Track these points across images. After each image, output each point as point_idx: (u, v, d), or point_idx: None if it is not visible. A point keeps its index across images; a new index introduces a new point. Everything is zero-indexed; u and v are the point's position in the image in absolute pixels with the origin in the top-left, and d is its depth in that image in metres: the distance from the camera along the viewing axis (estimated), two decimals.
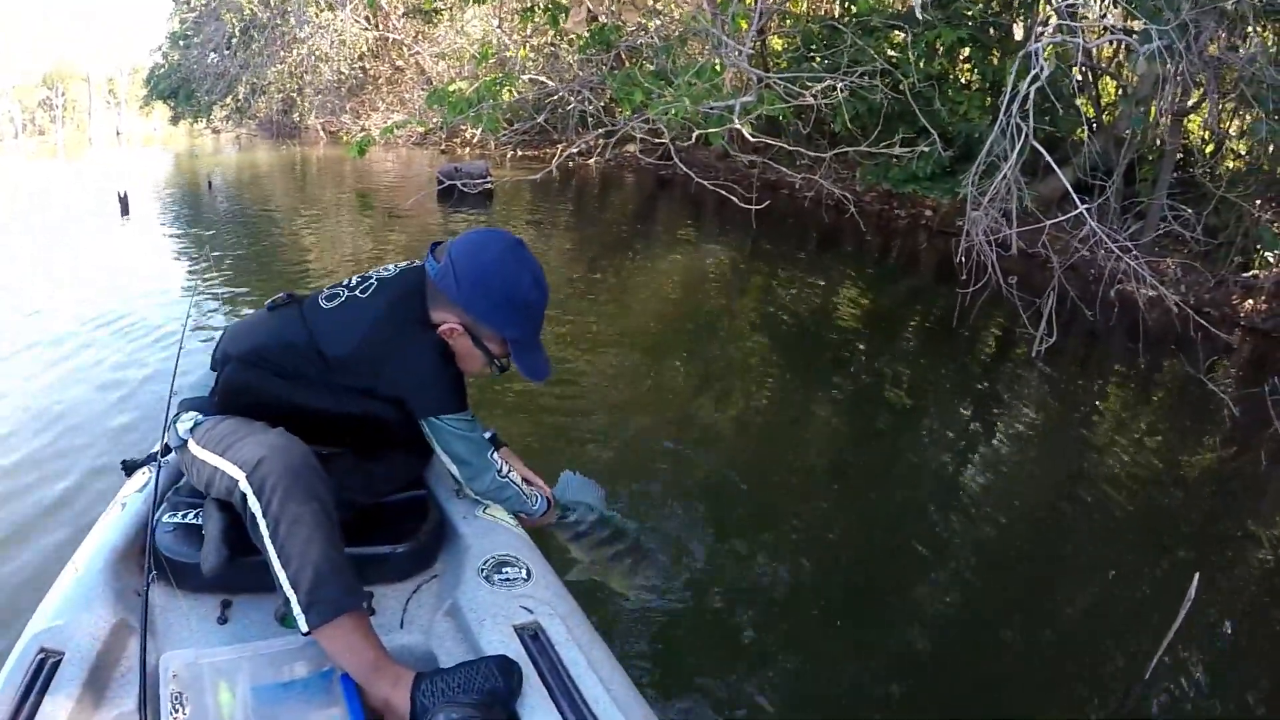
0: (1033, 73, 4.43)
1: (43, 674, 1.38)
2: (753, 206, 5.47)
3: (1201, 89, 6.19)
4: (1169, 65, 6.21)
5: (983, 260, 4.79)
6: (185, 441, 1.74)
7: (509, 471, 1.98)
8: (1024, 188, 4.98)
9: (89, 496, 3.13)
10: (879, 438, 3.92)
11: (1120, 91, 8.25)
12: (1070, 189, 4.55)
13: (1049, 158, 4.54)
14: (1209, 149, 8.02)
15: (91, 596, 1.59)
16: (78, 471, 3.42)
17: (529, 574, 1.71)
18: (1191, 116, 7.77)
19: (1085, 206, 4.32)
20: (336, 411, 1.75)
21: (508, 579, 1.69)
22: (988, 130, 4.83)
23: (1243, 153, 7.87)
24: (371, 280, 1.82)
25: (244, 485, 1.51)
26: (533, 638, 1.52)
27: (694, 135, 6.00)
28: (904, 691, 2.25)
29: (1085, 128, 8.41)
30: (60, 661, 1.41)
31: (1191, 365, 4.49)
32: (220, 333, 1.93)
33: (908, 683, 2.28)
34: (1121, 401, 4.57)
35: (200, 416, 1.77)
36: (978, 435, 3.99)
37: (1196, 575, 2.16)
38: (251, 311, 1.94)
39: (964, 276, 4.89)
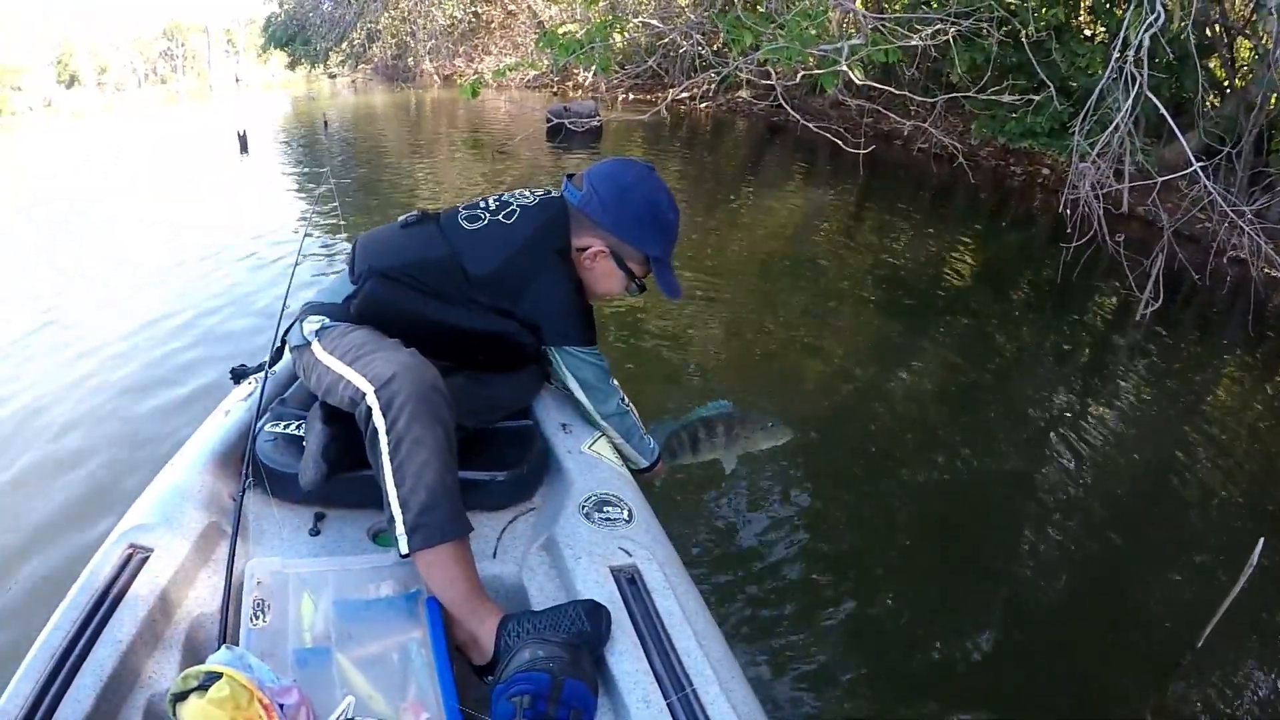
0: (1148, 20, 4.26)
1: (129, 568, 1.41)
2: (859, 152, 5.41)
3: None
4: None
5: (1089, 216, 4.63)
6: (308, 343, 1.75)
7: (629, 402, 2.04)
8: (1136, 141, 4.78)
9: (197, 401, 3.23)
10: (970, 397, 3.87)
11: (1254, 53, 7.81)
12: (1187, 148, 4.31)
13: (1166, 115, 4.32)
14: None
15: (186, 498, 1.62)
16: (189, 378, 3.57)
17: (630, 515, 1.69)
18: None
19: (1201, 165, 4.10)
20: (470, 328, 1.79)
21: (608, 518, 1.66)
22: (1109, 83, 4.63)
23: None
24: (514, 206, 1.86)
25: (371, 399, 1.51)
26: (629, 581, 1.49)
27: (799, 78, 5.94)
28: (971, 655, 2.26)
29: (1215, 91, 8.02)
30: (148, 558, 1.44)
31: None
32: (351, 245, 1.94)
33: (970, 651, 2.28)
34: (1223, 376, 4.37)
35: (328, 321, 1.77)
36: (1069, 400, 3.89)
37: (1261, 540, 2.10)
38: (376, 226, 1.98)
39: (1069, 230, 4.77)
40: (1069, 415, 3.67)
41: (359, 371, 1.57)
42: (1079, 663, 2.22)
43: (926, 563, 2.59)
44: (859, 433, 3.33)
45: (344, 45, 23.64)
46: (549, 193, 1.92)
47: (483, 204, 1.89)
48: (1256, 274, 4.59)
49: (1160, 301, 4.42)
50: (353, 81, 25.25)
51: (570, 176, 1.90)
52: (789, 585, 2.38)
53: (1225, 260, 4.91)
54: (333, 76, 27.31)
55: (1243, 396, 4.15)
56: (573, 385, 1.94)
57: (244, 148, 10.72)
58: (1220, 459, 3.37)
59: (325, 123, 13.75)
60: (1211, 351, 4.67)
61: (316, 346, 1.72)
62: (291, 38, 28.10)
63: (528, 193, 1.92)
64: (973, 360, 4.19)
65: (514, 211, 1.85)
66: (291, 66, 31.30)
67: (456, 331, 1.78)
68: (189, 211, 6.96)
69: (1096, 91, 4.80)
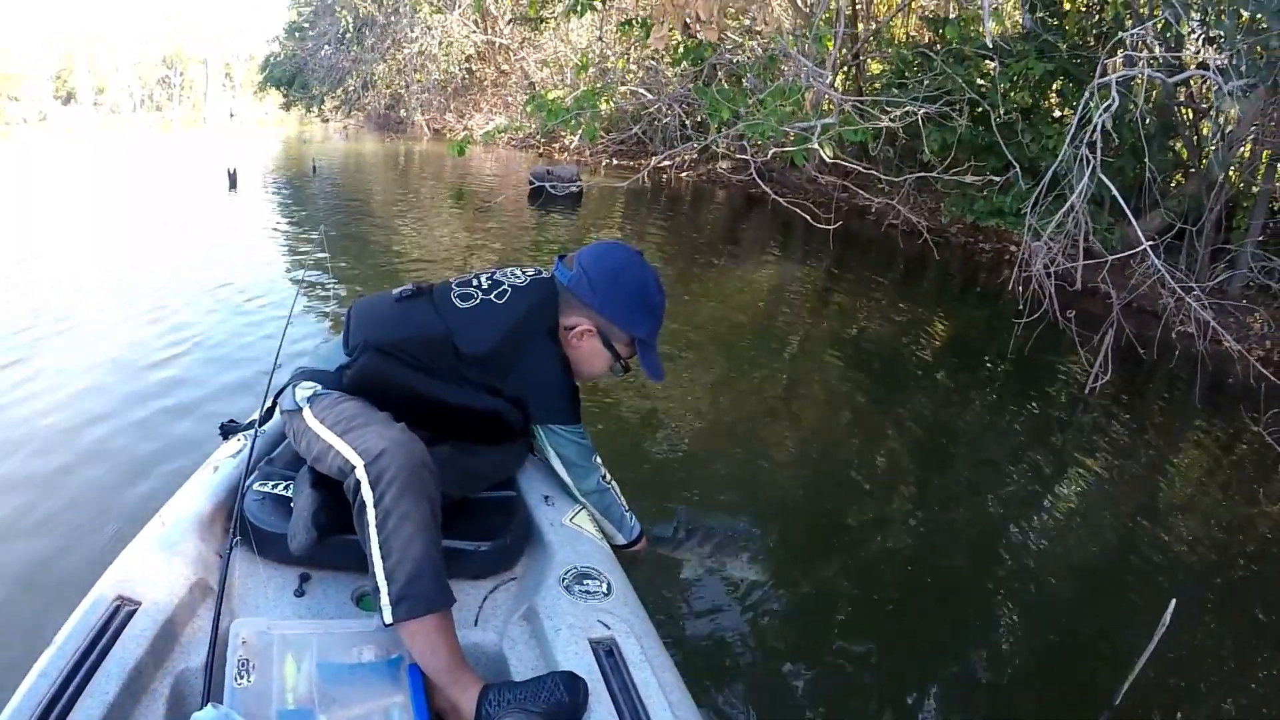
0: (1104, 105, 4.54)
1: (116, 620, 1.43)
2: (828, 227, 5.65)
3: None
4: (1255, 105, 6.21)
5: (1042, 292, 4.88)
6: (300, 409, 1.79)
7: (611, 480, 2.10)
8: (1090, 221, 5.04)
9: (183, 456, 3.16)
10: (930, 469, 3.99)
11: (1216, 134, 8.16)
12: (1137, 228, 4.59)
13: (1118, 195, 4.61)
14: None
15: (174, 553, 1.63)
16: (174, 431, 3.51)
17: (609, 588, 1.72)
18: None
19: (1149, 244, 4.37)
20: (460, 404, 1.84)
21: (588, 591, 1.69)
22: (1066, 163, 4.91)
23: None
24: (505, 286, 1.92)
25: (361, 473, 1.55)
26: (607, 653, 1.52)
27: (770, 153, 6.18)
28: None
29: (1180, 170, 8.33)
30: (135, 611, 1.45)
31: (1251, 416, 4.45)
32: (346, 312, 1.98)
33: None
34: (1166, 445, 4.53)
35: (320, 388, 1.82)
36: (1019, 471, 3.99)
37: (1173, 602, 2.20)
38: (364, 293, 2.10)
39: (1020, 307, 5.00)
40: (1018, 487, 3.81)
41: (349, 444, 1.61)
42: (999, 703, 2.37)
43: (892, 632, 2.68)
44: (827, 503, 3.42)
45: (339, 91, 23.99)
46: (539, 273, 1.99)
47: (474, 282, 1.95)
48: (1203, 347, 4.79)
49: (1110, 374, 4.59)
50: (345, 127, 25.58)
51: (562, 257, 1.99)
52: (764, 657, 2.41)
53: (1174, 335, 5.11)
54: (326, 121, 27.66)
55: (1182, 464, 4.35)
56: (555, 461, 2.01)
57: (233, 185, 10.94)
58: (1154, 524, 3.56)
59: (315, 168, 13.93)
60: (1157, 422, 4.85)
61: (308, 413, 1.76)
62: (289, 79, 28.58)
63: (518, 271, 1.99)
64: (935, 432, 4.33)
65: (505, 291, 1.91)
66: (286, 107, 31.69)
67: (447, 407, 1.83)
68: (176, 250, 6.99)
69: (1049, 173, 5.08)
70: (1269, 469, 4.13)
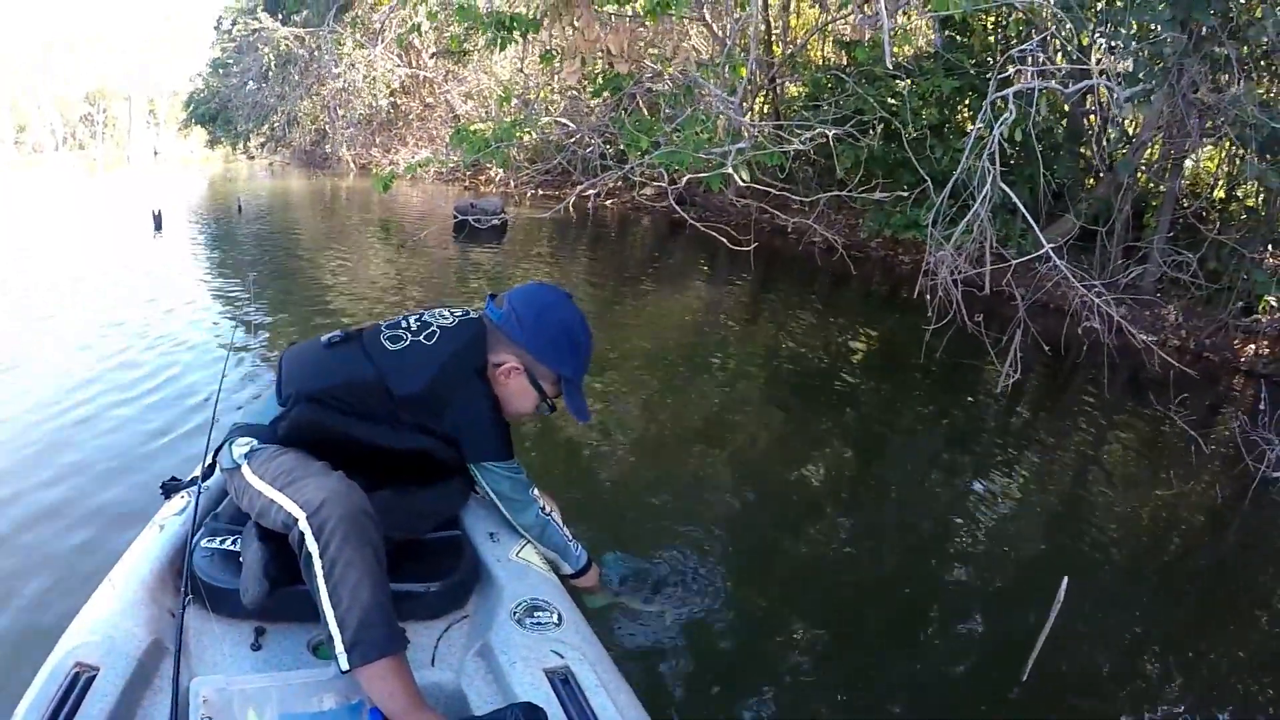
0: (1002, 117, 4.72)
1: (77, 688, 1.42)
2: (743, 249, 5.75)
3: (1190, 133, 6.36)
4: (1157, 109, 6.47)
5: (949, 299, 5.04)
6: (238, 466, 1.81)
7: (551, 511, 2.13)
8: (993, 228, 5.22)
9: (123, 516, 3.11)
10: (860, 475, 4.12)
11: (1121, 139, 8.46)
12: (1040, 234, 4.78)
13: (1019, 203, 4.87)
14: (1217, 193, 8.15)
15: (127, 615, 1.63)
16: (113, 491, 3.41)
17: (560, 619, 1.75)
18: (1189, 161, 7.93)
19: (1050, 246, 4.57)
20: (397, 447, 1.87)
21: (539, 623, 1.72)
22: (972, 175, 5.07)
23: (1240, 196, 8.03)
24: (433, 328, 1.95)
25: (304, 525, 1.57)
26: (563, 682, 1.55)
27: (684, 180, 6.27)
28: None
29: (1092, 175, 8.64)
30: (95, 677, 1.45)
31: (1161, 403, 4.64)
32: (277, 363, 2.00)
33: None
34: (1084, 438, 4.73)
35: (256, 444, 1.84)
36: (937, 471, 4.19)
37: (1065, 579, 2.32)
38: (296, 342, 2.06)
39: (929, 313, 5.17)
40: (942, 489, 3.97)
41: (290, 497, 1.64)
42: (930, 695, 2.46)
43: (831, 639, 2.74)
44: (761, 521, 3.48)
45: (265, 128, 23.72)
46: (467, 313, 2.03)
47: (404, 323, 1.98)
48: (1109, 341, 4.97)
49: (1022, 373, 4.77)
50: (270, 165, 25.31)
51: (493, 296, 2.03)
52: (714, 674, 2.44)
53: (1080, 330, 5.29)
54: (251, 158, 27.38)
55: (1094, 452, 4.55)
56: (492, 497, 2.05)
57: (158, 226, 10.74)
58: (1069, 511, 3.77)
59: (240, 207, 13.78)
60: (1071, 415, 5.08)
61: (246, 470, 1.78)
62: (213, 116, 28.19)
63: (446, 313, 2.02)
64: (861, 443, 4.46)
65: (434, 333, 1.94)
66: (211, 145, 31.29)
67: (382, 450, 1.87)
68: (102, 300, 6.77)
69: (949, 185, 5.24)
70: (1180, 452, 4.33)
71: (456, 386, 1.90)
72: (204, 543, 1.82)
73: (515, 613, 1.75)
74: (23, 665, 1.53)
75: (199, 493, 1.95)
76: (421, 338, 1.93)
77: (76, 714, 1.37)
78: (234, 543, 1.81)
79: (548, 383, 2.01)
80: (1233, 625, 3.01)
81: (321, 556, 1.53)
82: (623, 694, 1.59)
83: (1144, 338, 4.81)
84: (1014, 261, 5.09)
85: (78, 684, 1.43)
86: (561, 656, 1.62)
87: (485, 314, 2.02)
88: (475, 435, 1.96)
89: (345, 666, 1.48)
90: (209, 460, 2.04)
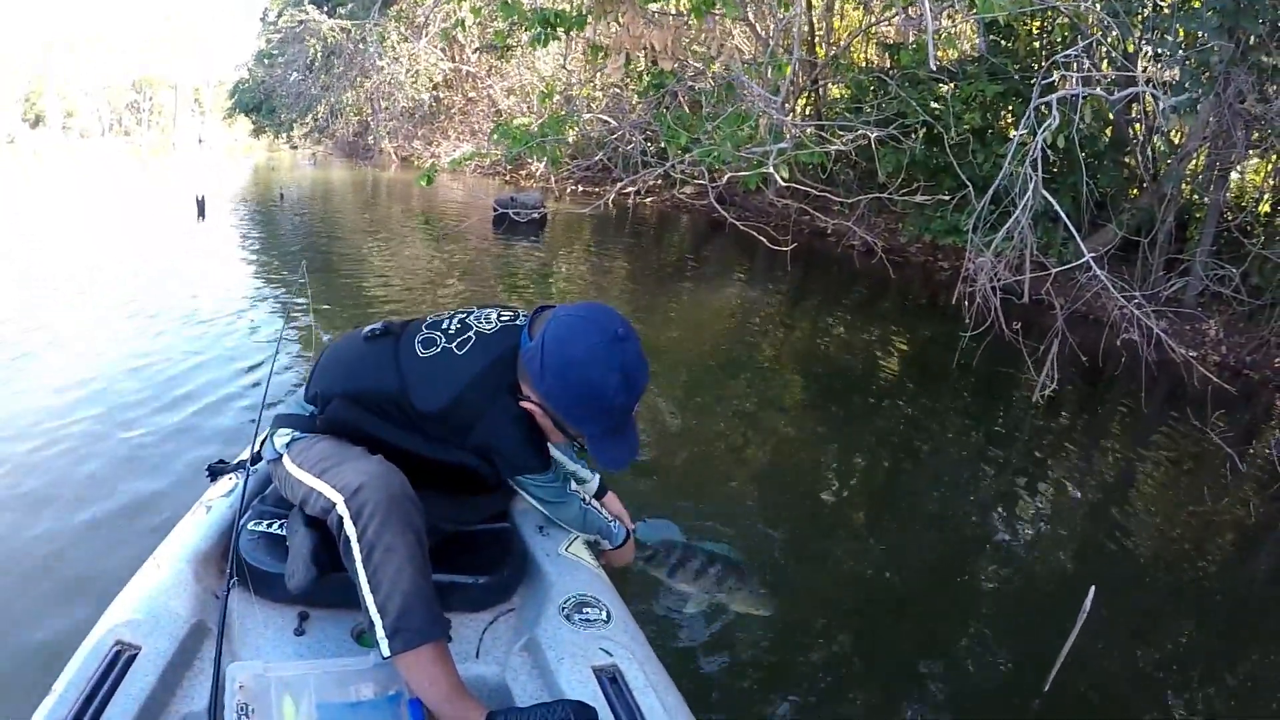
0: (1045, 123, 4.70)
1: (118, 666, 1.41)
2: (782, 249, 5.74)
3: (1235, 144, 6.28)
4: (1203, 119, 6.40)
5: (987, 306, 5.03)
6: (280, 456, 1.78)
7: (591, 500, 2.14)
8: (1035, 236, 5.19)
9: (169, 498, 3.14)
10: (896, 479, 4.11)
11: (1166, 148, 8.37)
12: (1080, 243, 4.70)
13: (1060, 210, 4.81)
14: (1263, 207, 7.99)
15: (171, 595, 1.61)
16: (161, 472, 3.44)
17: (609, 616, 1.72)
18: (1235, 173, 7.77)
19: (1091, 256, 4.50)
20: (429, 456, 1.76)
21: (588, 619, 1.69)
22: (1014, 181, 5.06)
23: None
24: (470, 334, 1.77)
25: (341, 509, 1.54)
26: (611, 681, 1.52)
27: (725, 178, 6.29)
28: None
29: (1136, 185, 8.55)
30: (136, 655, 1.44)
31: (1199, 419, 4.57)
32: (313, 362, 1.95)
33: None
34: (1120, 451, 4.69)
35: (297, 433, 1.80)
36: (974, 479, 4.15)
37: (1092, 589, 2.31)
38: (334, 335, 2.04)
39: (967, 320, 5.15)
40: (976, 495, 3.95)
41: (328, 482, 1.60)
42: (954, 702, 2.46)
43: (867, 642, 2.74)
44: (799, 521, 3.47)
45: (308, 118, 24.04)
46: (515, 317, 1.82)
47: (444, 324, 1.82)
48: (1148, 354, 4.88)
49: (1059, 384, 4.70)
50: (313, 154, 25.63)
51: (544, 308, 1.75)
52: (760, 675, 2.44)
53: (1119, 342, 5.24)
54: (294, 147, 27.75)
55: (1130, 467, 4.49)
56: (532, 502, 1.99)
57: (201, 213, 10.90)
58: (1103, 523, 3.70)
59: (282, 195, 13.96)
60: (1106, 427, 5.03)
61: (287, 460, 1.75)
62: (258, 105, 28.69)
63: (491, 315, 1.83)
64: (898, 447, 4.44)
65: (469, 340, 1.76)
66: (255, 133, 31.79)
67: (414, 456, 1.75)
68: (150, 286, 6.83)
69: (990, 191, 5.22)
70: (1216, 469, 4.26)
71: (482, 408, 1.71)
72: (250, 525, 1.80)
73: (564, 608, 1.72)
74: (64, 642, 1.53)
75: (247, 475, 1.95)
76: (454, 345, 1.76)
77: (116, 692, 1.36)
78: (280, 526, 1.79)
79: (573, 430, 1.74)
80: (1259, 648, 2.98)
81: (360, 540, 1.51)
82: (671, 695, 1.56)
83: (1184, 352, 4.75)
84: (1054, 270, 5.03)
85: (119, 662, 1.42)
86: (610, 655, 1.59)
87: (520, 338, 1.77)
88: (507, 454, 1.79)
89: (387, 653, 1.45)
90: (258, 445, 2.01)
